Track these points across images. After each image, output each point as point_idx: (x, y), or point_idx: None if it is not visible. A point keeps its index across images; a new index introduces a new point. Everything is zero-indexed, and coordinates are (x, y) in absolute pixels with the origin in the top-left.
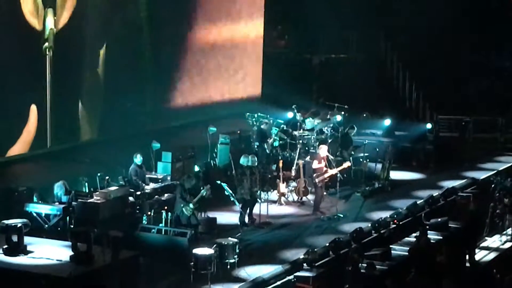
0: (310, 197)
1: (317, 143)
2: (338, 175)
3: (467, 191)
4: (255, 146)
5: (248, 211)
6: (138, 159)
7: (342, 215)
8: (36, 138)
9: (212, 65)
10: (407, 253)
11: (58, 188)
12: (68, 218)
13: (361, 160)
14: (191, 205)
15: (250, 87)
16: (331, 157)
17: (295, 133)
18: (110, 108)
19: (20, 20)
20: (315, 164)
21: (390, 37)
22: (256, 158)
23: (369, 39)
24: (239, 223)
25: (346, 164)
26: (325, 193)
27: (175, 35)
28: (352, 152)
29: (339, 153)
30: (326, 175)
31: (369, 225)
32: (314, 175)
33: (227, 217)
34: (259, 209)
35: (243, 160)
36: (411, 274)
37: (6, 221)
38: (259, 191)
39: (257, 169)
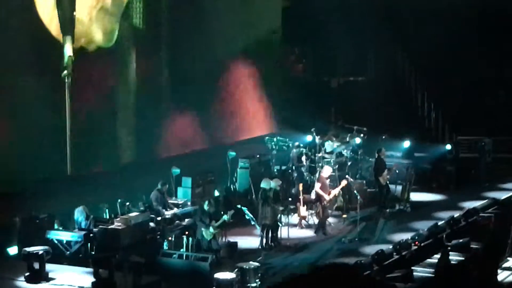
0: (331, 220)
1: (337, 166)
2: (358, 197)
3: (489, 211)
4: (290, 169)
5: (270, 235)
6: (163, 187)
7: (356, 239)
8: (56, 165)
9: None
10: (429, 275)
11: (79, 213)
12: (89, 244)
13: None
14: (211, 229)
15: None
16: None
17: (317, 155)
18: (130, 135)
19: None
20: (317, 187)
21: (408, 59)
22: (279, 182)
23: (387, 61)
24: (260, 247)
25: (344, 183)
26: (330, 211)
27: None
28: (388, 177)
29: (375, 179)
30: (331, 196)
31: (391, 247)
32: (321, 197)
33: (248, 241)
34: (280, 232)
35: (264, 184)
36: None
37: (27, 249)
38: (280, 215)
39: (279, 192)
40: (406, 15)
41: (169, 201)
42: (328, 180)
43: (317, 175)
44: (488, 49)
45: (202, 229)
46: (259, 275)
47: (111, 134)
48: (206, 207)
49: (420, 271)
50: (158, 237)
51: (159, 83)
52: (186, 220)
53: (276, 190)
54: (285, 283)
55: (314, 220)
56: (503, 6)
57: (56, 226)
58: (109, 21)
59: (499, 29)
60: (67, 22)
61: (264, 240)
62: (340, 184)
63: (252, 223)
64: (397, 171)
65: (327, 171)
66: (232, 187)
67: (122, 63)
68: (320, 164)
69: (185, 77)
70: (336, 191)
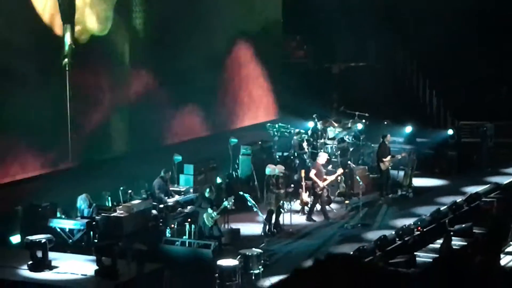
0: (333, 206)
1: (339, 151)
2: (361, 183)
3: (491, 196)
4: (292, 156)
5: (274, 220)
6: (166, 175)
7: (358, 224)
8: (57, 154)
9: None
10: (432, 260)
11: (82, 201)
12: (92, 232)
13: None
14: (211, 212)
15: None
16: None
17: (318, 141)
18: (132, 123)
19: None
20: (312, 173)
21: (408, 44)
22: (282, 168)
23: (388, 47)
24: (263, 234)
25: (340, 171)
26: (332, 197)
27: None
28: (391, 163)
29: (377, 165)
30: (325, 183)
31: (393, 232)
32: (314, 183)
33: (251, 228)
34: (283, 219)
35: (268, 171)
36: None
37: (30, 237)
38: (283, 201)
39: (278, 178)
40: (404, 4)
41: (171, 188)
42: (330, 166)
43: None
44: (488, 49)
45: (204, 215)
46: (262, 261)
47: (112, 122)
48: (207, 194)
49: (423, 257)
50: (161, 224)
51: (161, 70)
52: (189, 207)
53: (277, 177)
54: (291, 278)
55: (316, 206)
56: (503, 5)
57: (58, 215)
58: (103, 8)
59: (499, 29)
60: (68, 10)
61: (268, 227)
62: (336, 172)
63: (255, 209)
64: (399, 157)
65: (323, 158)
66: (234, 173)
67: (123, 48)
68: (322, 150)
69: (186, 64)
70: (331, 179)
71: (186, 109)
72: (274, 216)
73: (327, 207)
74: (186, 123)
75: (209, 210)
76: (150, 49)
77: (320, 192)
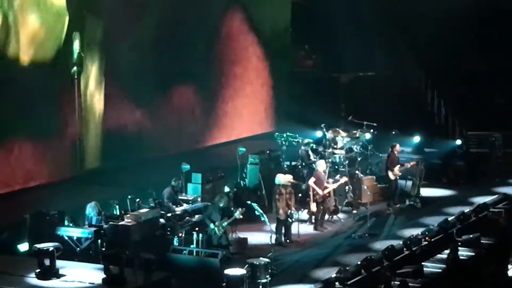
0: (341, 215)
1: (347, 161)
2: (368, 193)
3: (499, 206)
4: (300, 166)
5: (284, 230)
6: (176, 184)
7: (366, 234)
8: (65, 162)
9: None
10: (440, 270)
11: (91, 209)
12: (99, 241)
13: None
14: (222, 222)
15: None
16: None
17: (327, 151)
18: (138, 131)
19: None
20: (311, 181)
21: (417, 54)
22: (290, 177)
23: (396, 57)
24: (270, 243)
25: (343, 179)
26: (340, 207)
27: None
28: (400, 173)
29: (386, 174)
30: (325, 191)
31: (401, 242)
32: (314, 191)
33: (258, 237)
34: (290, 228)
35: (277, 180)
36: None
37: (38, 245)
38: (290, 211)
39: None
40: (412, 14)
41: (179, 197)
42: (338, 175)
43: (326, 170)
44: (497, 45)
45: (214, 225)
46: (270, 270)
47: (119, 131)
48: (222, 204)
49: (430, 267)
50: (168, 233)
51: (165, 77)
52: (196, 216)
53: (285, 186)
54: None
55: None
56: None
57: (66, 223)
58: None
59: (504, 29)
60: (77, 18)
61: (275, 236)
62: (340, 180)
63: (262, 219)
64: (408, 166)
65: (322, 165)
66: (242, 183)
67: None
68: (330, 160)
69: (191, 72)
70: (332, 187)
71: (189, 117)
72: (283, 227)
73: (334, 216)
74: (191, 133)
75: (219, 223)
76: (156, 55)
77: (320, 200)
